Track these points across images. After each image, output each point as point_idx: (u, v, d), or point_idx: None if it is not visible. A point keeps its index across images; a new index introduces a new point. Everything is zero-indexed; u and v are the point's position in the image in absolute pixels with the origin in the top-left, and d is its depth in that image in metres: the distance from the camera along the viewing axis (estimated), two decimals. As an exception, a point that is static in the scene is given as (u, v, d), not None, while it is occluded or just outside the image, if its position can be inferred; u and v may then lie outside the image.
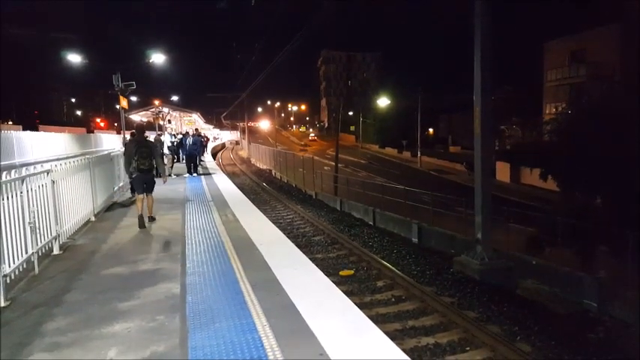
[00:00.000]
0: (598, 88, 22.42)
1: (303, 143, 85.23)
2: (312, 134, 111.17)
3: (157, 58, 24.32)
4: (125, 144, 9.49)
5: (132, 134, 11.47)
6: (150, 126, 38.05)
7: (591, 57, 32.68)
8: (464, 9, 13.08)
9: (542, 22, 49.60)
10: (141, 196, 8.17)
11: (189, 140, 18.68)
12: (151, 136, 13.44)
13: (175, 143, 22.07)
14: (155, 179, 8.59)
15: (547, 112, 36.15)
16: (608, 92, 20.50)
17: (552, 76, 36.84)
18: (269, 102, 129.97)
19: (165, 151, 19.04)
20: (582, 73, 32.93)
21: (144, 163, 8.14)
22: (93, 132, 43.94)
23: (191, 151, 17.99)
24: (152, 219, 8.43)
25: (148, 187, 8.34)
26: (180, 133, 26.29)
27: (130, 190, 11.36)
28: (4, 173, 4.69)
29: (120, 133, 27.17)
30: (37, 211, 5.48)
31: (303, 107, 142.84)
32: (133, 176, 8.29)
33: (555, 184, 21.19)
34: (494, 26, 12.27)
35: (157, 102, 35.79)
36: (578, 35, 34.47)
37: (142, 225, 7.84)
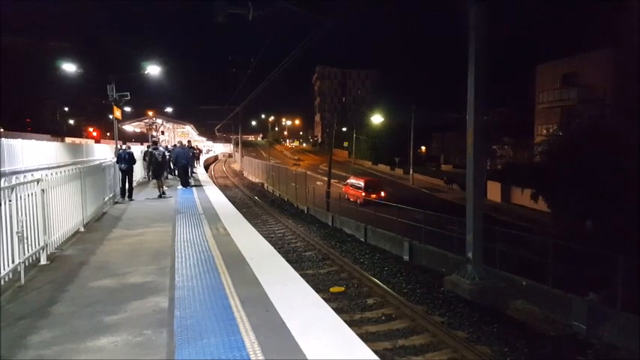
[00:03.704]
0: (589, 111, 22.74)
1: (296, 158, 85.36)
2: (295, 143, 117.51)
3: (152, 70, 24.30)
4: (146, 152, 16.09)
5: (126, 145, 14.94)
6: (143, 137, 37.94)
7: (582, 80, 33.19)
8: (460, 30, 13.28)
9: (536, 44, 50.42)
10: (156, 180, 14.72)
11: (179, 151, 18.46)
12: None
13: (168, 157, 21.91)
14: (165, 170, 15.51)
15: (538, 133, 36.54)
16: (599, 115, 20.80)
17: (544, 98, 37.31)
18: (263, 116, 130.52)
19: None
20: (573, 96, 33.40)
21: (156, 162, 14.85)
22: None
23: (183, 163, 17.85)
24: (163, 194, 13.91)
25: (159, 175, 14.77)
26: (171, 145, 26.21)
27: (120, 196, 13.39)
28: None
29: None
30: (26, 220, 5.41)
31: (297, 122, 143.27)
32: (151, 168, 15.29)
33: (546, 205, 21.36)
34: (488, 47, 12.44)
35: (150, 113, 35.73)
36: (569, 58, 35.04)
37: (160, 196, 13.74)
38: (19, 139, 18.12)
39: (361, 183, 33.30)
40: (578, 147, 17.67)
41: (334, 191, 31.81)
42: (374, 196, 30.02)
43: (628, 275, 9.56)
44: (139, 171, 17.18)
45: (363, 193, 31.33)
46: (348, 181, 35.66)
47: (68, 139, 50.26)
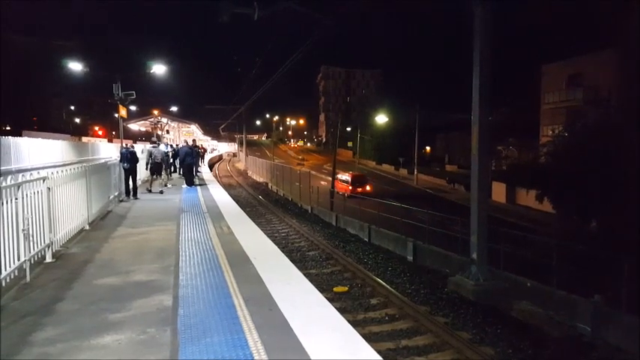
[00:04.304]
0: (594, 112, 22.63)
1: (300, 157, 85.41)
2: (299, 143, 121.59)
3: (158, 69, 24.39)
4: (149, 150, 15.64)
5: (130, 144, 15.18)
6: (148, 135, 38.23)
7: (588, 81, 33.03)
8: (464, 29, 13.23)
9: (541, 44, 50.27)
10: (154, 176, 15.05)
11: (185, 150, 18.52)
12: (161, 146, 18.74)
13: (171, 154, 21.96)
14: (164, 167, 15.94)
15: (544, 134, 36.41)
16: (604, 116, 20.70)
17: (550, 98, 37.17)
18: (267, 115, 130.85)
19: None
20: (579, 96, 33.24)
21: (155, 160, 14.87)
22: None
23: (188, 162, 17.91)
24: (161, 192, 14.71)
25: (159, 172, 15.15)
26: (175, 144, 26.27)
27: (125, 195, 13.34)
28: (1, 179, 4.66)
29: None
30: (32, 218, 5.44)
31: (301, 121, 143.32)
32: (151, 166, 14.88)
33: (551, 207, 21.27)
34: (493, 47, 12.37)
35: (155, 112, 35.85)
36: (575, 59, 34.87)
37: (157, 192, 14.65)
38: (26, 137, 18.26)
39: (348, 177, 37.93)
40: (582, 147, 17.61)
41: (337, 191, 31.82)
42: (360, 189, 34.74)
43: (632, 276, 9.50)
44: (143, 169, 17.23)
45: (350, 187, 35.60)
46: (337, 175, 38.88)
47: (85, 139, 51.20)
